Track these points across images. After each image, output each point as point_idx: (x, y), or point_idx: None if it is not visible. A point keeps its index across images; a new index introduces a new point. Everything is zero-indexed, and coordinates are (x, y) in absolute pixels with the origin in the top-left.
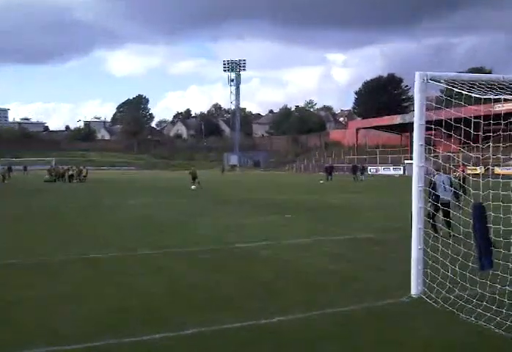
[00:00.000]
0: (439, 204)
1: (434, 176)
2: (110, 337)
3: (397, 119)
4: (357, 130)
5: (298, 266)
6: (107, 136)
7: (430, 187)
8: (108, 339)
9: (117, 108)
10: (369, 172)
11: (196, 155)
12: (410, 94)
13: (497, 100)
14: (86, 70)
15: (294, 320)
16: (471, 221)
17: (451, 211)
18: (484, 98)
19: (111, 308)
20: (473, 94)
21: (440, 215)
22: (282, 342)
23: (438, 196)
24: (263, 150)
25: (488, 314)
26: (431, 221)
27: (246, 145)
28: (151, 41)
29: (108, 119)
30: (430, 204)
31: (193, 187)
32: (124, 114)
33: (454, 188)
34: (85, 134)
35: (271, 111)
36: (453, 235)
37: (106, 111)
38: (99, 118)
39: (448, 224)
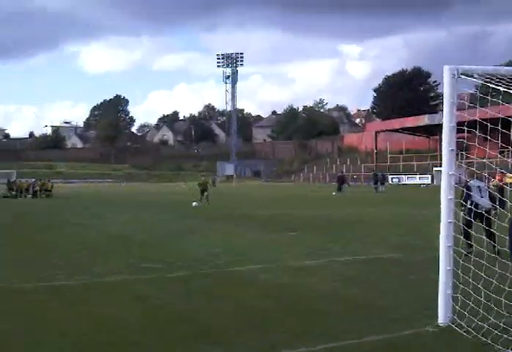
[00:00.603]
0: (478, 213)
1: (469, 182)
2: None
3: (424, 120)
4: (376, 133)
5: (301, 292)
6: (79, 144)
7: (464, 194)
8: None
9: (91, 110)
10: (390, 182)
11: (184, 164)
12: (439, 91)
13: None
14: (54, 66)
15: None
16: (507, 237)
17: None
18: None
19: (78, 345)
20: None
21: (476, 226)
22: None
23: (474, 204)
24: (265, 158)
25: None
26: (463, 236)
27: (244, 152)
28: (132, 32)
29: (81, 124)
30: (463, 214)
31: (194, 204)
32: (99, 117)
33: (491, 197)
34: (53, 142)
35: (273, 113)
36: (498, 251)
37: (78, 115)
38: (69, 123)
39: (491, 237)
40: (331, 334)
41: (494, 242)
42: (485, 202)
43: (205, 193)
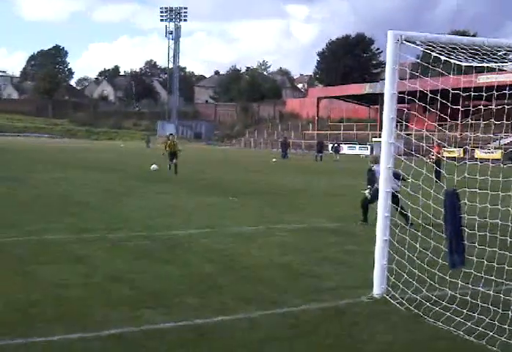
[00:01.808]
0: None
1: (372, 167)
2: (14, 337)
3: (365, 88)
4: (318, 99)
5: (242, 258)
6: (15, 95)
7: (370, 177)
8: (12, 339)
9: (28, 60)
10: (330, 151)
11: (124, 121)
12: (382, 59)
13: (481, 71)
14: None
15: (236, 320)
16: (442, 210)
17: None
18: (466, 66)
19: (17, 303)
20: (452, 60)
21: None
22: (222, 345)
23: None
24: (207, 120)
25: (458, 319)
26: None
27: (185, 113)
28: None
29: (17, 74)
30: (368, 193)
31: (153, 167)
32: (36, 68)
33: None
34: None
35: (216, 73)
36: (411, 224)
37: (14, 64)
38: (4, 72)
39: (401, 213)
40: (271, 300)
41: (406, 217)
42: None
43: (174, 160)
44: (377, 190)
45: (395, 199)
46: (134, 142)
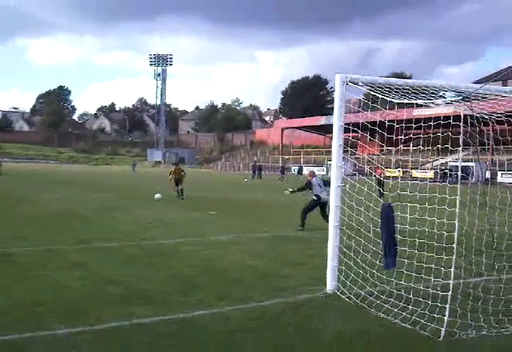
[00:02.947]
0: (318, 202)
1: (311, 180)
2: (23, 331)
3: (321, 120)
4: (282, 129)
5: (218, 262)
6: (26, 128)
7: (307, 187)
8: (20, 332)
9: (37, 99)
10: (292, 172)
11: (119, 149)
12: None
13: (419, 106)
14: (4, 57)
15: (212, 313)
16: (379, 220)
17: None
18: (399, 102)
19: (25, 303)
20: (388, 98)
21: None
22: (201, 334)
23: (318, 196)
24: (189, 147)
25: (395, 310)
26: (301, 217)
27: (170, 141)
28: (79, 30)
29: (27, 110)
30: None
31: (157, 196)
32: (44, 105)
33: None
34: (1, 125)
35: (197, 108)
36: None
37: (26, 102)
38: (17, 108)
39: (325, 218)
40: (241, 297)
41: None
42: (324, 195)
43: (180, 186)
44: (313, 200)
45: (325, 207)
46: (127, 167)
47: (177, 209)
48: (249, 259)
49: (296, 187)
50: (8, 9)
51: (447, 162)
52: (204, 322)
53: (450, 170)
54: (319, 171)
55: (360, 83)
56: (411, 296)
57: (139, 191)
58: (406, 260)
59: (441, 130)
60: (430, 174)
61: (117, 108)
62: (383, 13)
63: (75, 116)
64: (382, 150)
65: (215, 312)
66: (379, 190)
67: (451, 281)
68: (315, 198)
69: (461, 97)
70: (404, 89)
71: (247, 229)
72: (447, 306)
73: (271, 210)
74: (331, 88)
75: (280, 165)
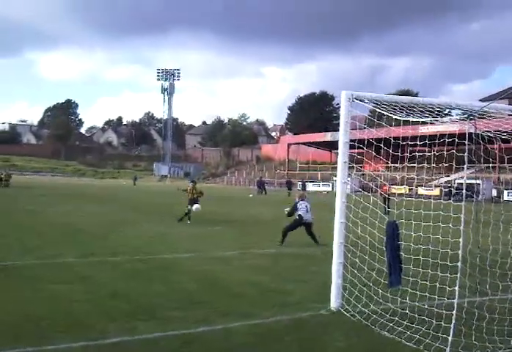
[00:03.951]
0: (302, 222)
1: (298, 202)
2: (27, 345)
3: (327, 136)
4: (289, 145)
5: (221, 278)
6: (33, 140)
7: (294, 209)
8: (25, 346)
9: (45, 112)
10: (298, 188)
11: (126, 163)
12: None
13: (424, 123)
14: (13, 71)
15: (215, 330)
16: (384, 238)
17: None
18: (404, 120)
19: (30, 315)
20: (394, 116)
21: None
22: (204, 350)
23: (301, 216)
24: (195, 162)
25: (400, 328)
26: (282, 233)
27: (177, 156)
28: (88, 44)
29: (35, 123)
30: (294, 220)
31: (196, 207)
32: (52, 118)
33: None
34: (9, 137)
35: (203, 123)
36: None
37: (34, 115)
38: (25, 121)
39: (311, 236)
40: (244, 313)
41: (315, 239)
42: (308, 216)
43: (196, 205)
44: (296, 220)
45: (309, 227)
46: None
47: (182, 223)
48: (252, 274)
49: (288, 210)
50: (18, 23)
51: (452, 180)
52: (207, 338)
53: (457, 188)
54: (324, 187)
55: (366, 100)
56: (416, 315)
57: (143, 204)
58: (410, 278)
59: (445, 147)
60: (436, 191)
61: (124, 122)
62: (392, 30)
63: (82, 130)
64: (387, 167)
65: (218, 327)
66: (384, 207)
67: (455, 300)
68: (297, 218)
69: (466, 115)
70: (409, 107)
71: (251, 245)
72: (452, 325)
73: (275, 226)
74: (338, 104)
75: (286, 180)
